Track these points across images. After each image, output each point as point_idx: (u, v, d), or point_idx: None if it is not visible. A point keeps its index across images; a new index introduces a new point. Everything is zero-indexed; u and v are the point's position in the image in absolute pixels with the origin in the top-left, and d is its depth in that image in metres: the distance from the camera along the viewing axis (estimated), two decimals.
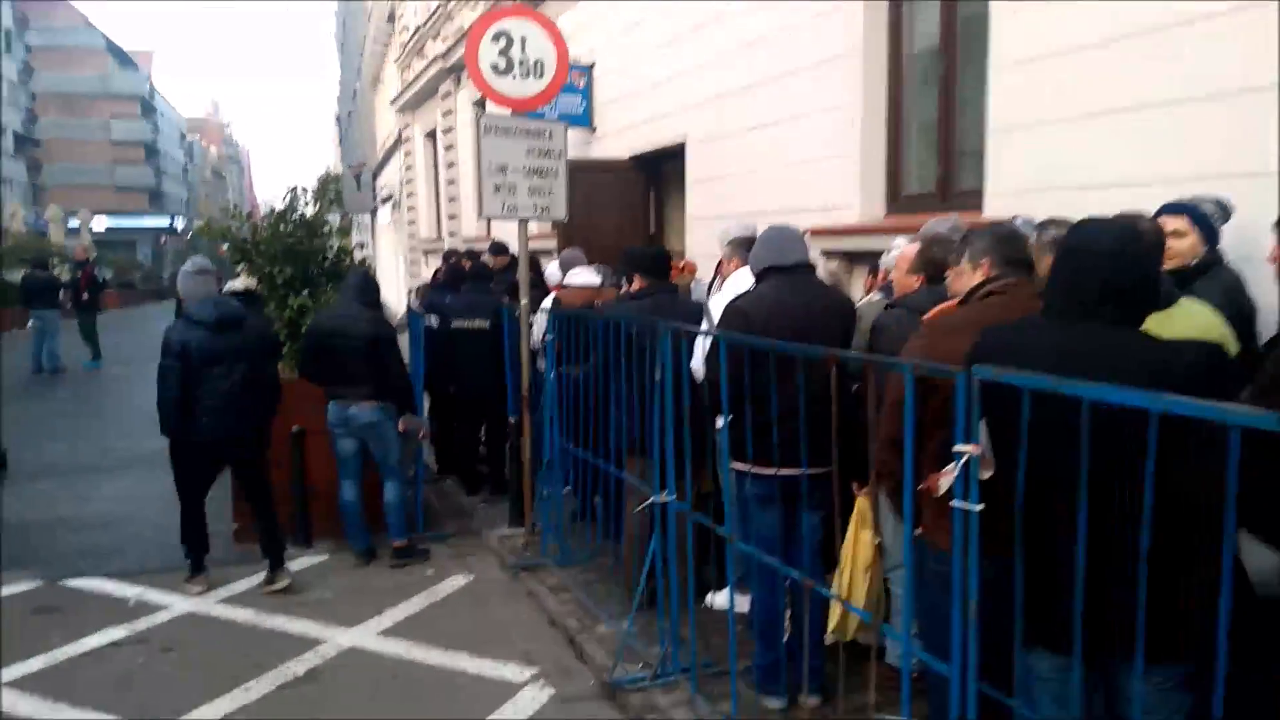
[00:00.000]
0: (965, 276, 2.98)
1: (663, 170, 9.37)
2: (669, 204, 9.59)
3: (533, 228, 12.89)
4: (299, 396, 5.97)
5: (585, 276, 6.76)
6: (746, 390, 3.31)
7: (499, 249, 9.06)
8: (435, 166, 18.96)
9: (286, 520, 6.05)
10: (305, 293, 6.47)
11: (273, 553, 5.39)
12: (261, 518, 5.46)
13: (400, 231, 24.23)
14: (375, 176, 29.31)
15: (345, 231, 7.10)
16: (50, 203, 35.55)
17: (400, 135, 22.21)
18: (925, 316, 3.27)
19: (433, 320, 7.17)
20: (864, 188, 5.81)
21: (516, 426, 6.32)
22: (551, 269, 7.56)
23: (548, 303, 7.06)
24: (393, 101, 21.24)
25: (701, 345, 4.28)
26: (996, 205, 4.71)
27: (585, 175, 9.11)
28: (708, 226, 7.61)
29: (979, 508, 2.27)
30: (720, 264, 5.85)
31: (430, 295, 7.68)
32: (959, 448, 2.26)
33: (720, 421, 3.62)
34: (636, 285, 4.89)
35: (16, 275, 16.38)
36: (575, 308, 6.45)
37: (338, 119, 54.58)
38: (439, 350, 7.21)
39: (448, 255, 9.24)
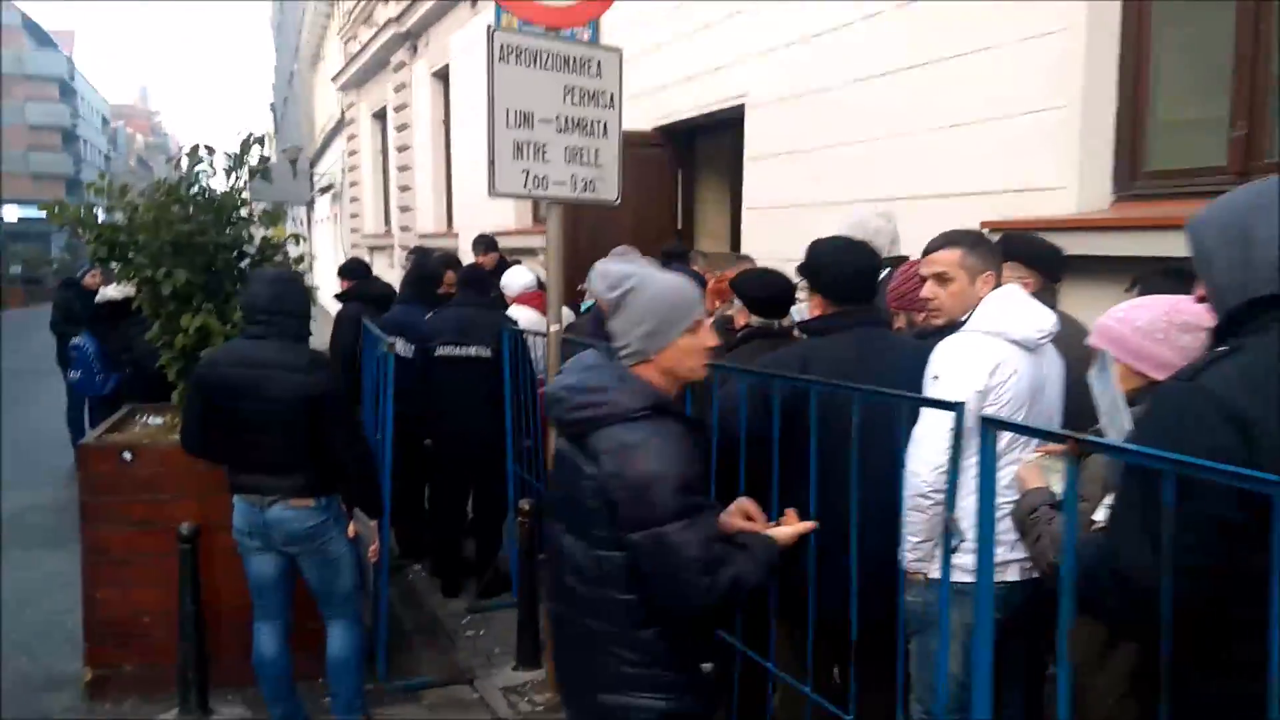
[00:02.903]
0: None
1: (696, 145, 7.26)
2: (701, 190, 7.49)
3: (503, 218, 10.64)
4: (189, 472, 3.76)
5: None
6: None
7: (488, 243, 6.92)
8: (384, 151, 16.64)
9: (170, 667, 3.84)
10: (207, 307, 4.22)
11: None
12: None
13: (341, 226, 21.76)
14: (313, 165, 26.78)
15: (276, 218, 4.82)
16: None
17: (343, 117, 19.77)
18: None
19: (402, 347, 4.95)
20: (1085, 159, 3.77)
21: (532, 515, 4.17)
22: (513, 276, 5.59)
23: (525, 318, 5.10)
24: (335, 78, 18.79)
25: (939, 442, 2.22)
26: None
27: None
28: (775, 221, 5.56)
29: None
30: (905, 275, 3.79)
31: (397, 312, 5.43)
32: None
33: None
34: (816, 309, 2.78)
35: None
36: None
37: (272, 107, 51.26)
38: (411, 388, 4.99)
39: (420, 255, 6.97)
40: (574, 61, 3.75)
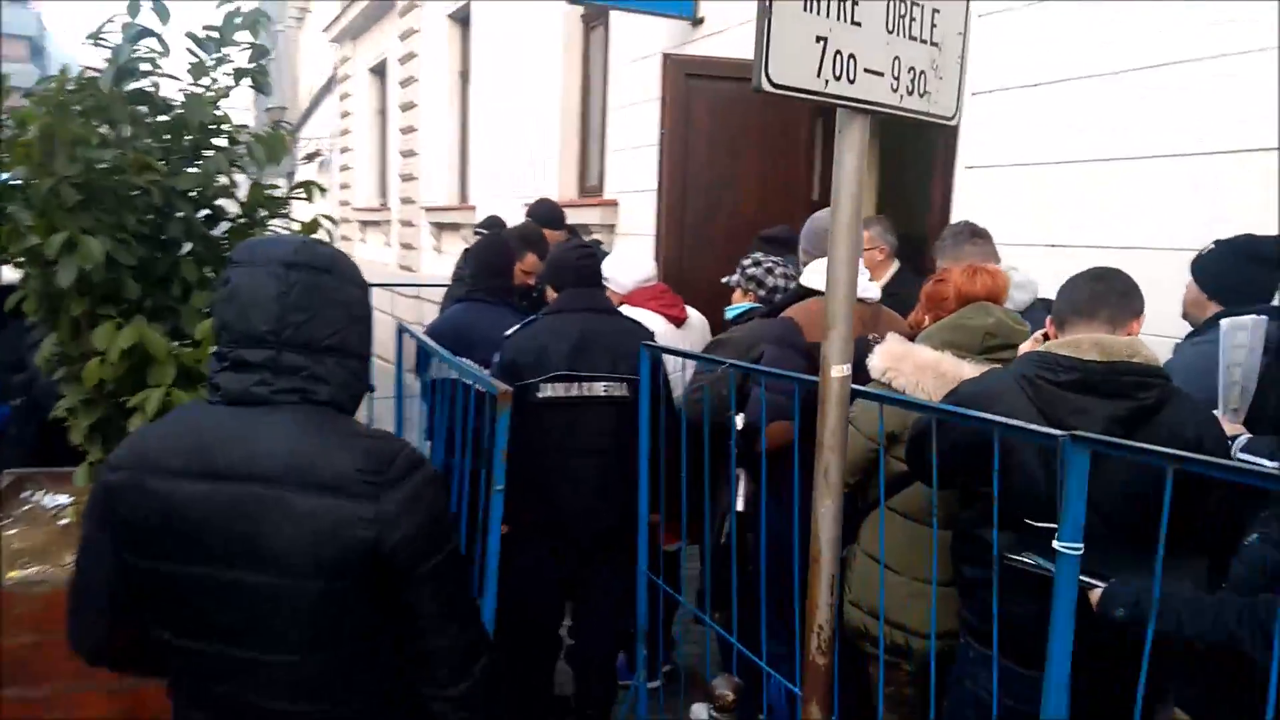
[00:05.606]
0: None
1: None
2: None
3: (536, 185, 8.37)
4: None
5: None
6: None
7: (550, 217, 5.01)
8: (384, 111, 14.60)
9: None
10: (146, 308, 2.28)
11: None
12: None
13: (327, 198, 19.64)
14: (296, 130, 24.61)
15: (279, 147, 2.73)
16: None
17: (334, 74, 17.65)
18: None
19: (482, 378, 3.01)
20: None
21: (740, 705, 2.25)
22: (625, 264, 3.66)
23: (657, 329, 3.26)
24: (327, 28, 16.66)
25: None
26: None
27: (697, 88, 5.17)
28: (1009, 184, 3.70)
29: None
30: None
31: (460, 316, 3.43)
32: None
33: None
34: None
35: None
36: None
37: None
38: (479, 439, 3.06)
39: (491, 230, 4.78)
40: None
